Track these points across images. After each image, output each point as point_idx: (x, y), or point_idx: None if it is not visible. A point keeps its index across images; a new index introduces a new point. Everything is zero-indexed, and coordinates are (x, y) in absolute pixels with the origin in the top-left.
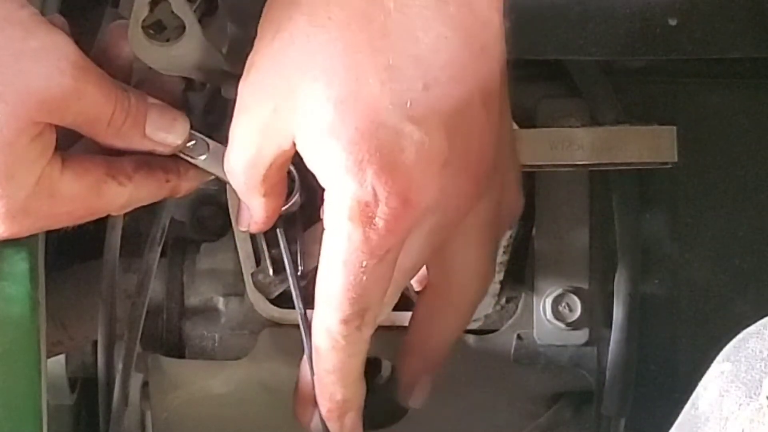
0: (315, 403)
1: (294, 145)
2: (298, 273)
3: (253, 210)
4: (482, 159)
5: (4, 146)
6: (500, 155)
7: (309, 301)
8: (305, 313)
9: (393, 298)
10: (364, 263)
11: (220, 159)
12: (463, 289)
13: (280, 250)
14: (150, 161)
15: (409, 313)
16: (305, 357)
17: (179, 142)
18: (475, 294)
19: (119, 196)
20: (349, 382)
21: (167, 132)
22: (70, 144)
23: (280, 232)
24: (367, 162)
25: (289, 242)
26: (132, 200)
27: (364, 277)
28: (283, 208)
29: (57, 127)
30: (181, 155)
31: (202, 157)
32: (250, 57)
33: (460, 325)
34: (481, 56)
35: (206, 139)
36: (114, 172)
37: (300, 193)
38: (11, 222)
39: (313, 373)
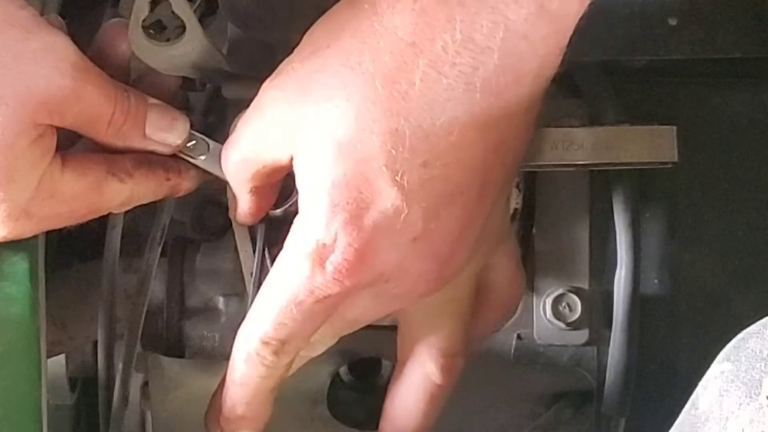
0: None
1: (291, 161)
2: None
3: (239, 201)
4: (457, 246)
5: (5, 149)
6: (483, 241)
7: None
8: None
9: (328, 341)
10: (300, 298)
11: (219, 159)
12: (422, 358)
13: (279, 250)
14: (150, 159)
15: None
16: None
17: (179, 141)
18: (435, 365)
19: (120, 193)
20: (253, 400)
21: (167, 132)
22: (70, 144)
23: (260, 231)
24: (341, 208)
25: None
26: (133, 198)
27: (295, 311)
28: (282, 209)
29: (57, 128)
30: (181, 155)
31: (202, 157)
32: (285, 62)
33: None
34: (496, 150)
35: (206, 139)
36: (114, 169)
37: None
38: (13, 224)
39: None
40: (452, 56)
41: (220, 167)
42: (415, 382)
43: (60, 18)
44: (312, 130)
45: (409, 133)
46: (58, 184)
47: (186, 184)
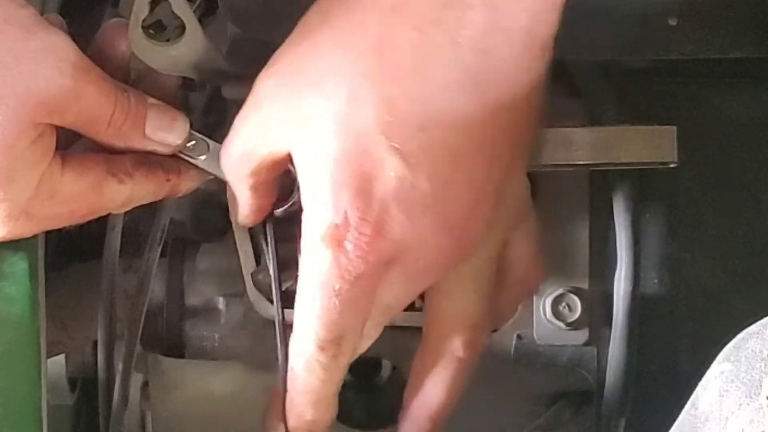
0: (284, 419)
1: (289, 155)
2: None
3: (239, 201)
4: (471, 215)
5: (5, 149)
6: (501, 218)
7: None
8: (284, 321)
9: (374, 332)
10: (337, 287)
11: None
12: (446, 332)
13: (280, 249)
14: (150, 160)
15: (410, 313)
16: (280, 371)
17: (179, 141)
18: (459, 339)
19: (120, 193)
20: (320, 404)
21: (167, 132)
22: (69, 143)
23: (268, 230)
24: (345, 184)
25: (289, 242)
26: (132, 198)
27: (337, 302)
28: (283, 209)
29: (57, 127)
30: (181, 155)
31: (202, 157)
32: (277, 51)
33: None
34: (497, 115)
35: (206, 139)
36: (114, 169)
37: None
38: (13, 224)
39: (285, 390)
40: (435, 16)
41: (220, 167)
42: (440, 357)
43: (60, 17)
44: (307, 114)
45: (403, 99)
46: (58, 184)
47: (186, 184)
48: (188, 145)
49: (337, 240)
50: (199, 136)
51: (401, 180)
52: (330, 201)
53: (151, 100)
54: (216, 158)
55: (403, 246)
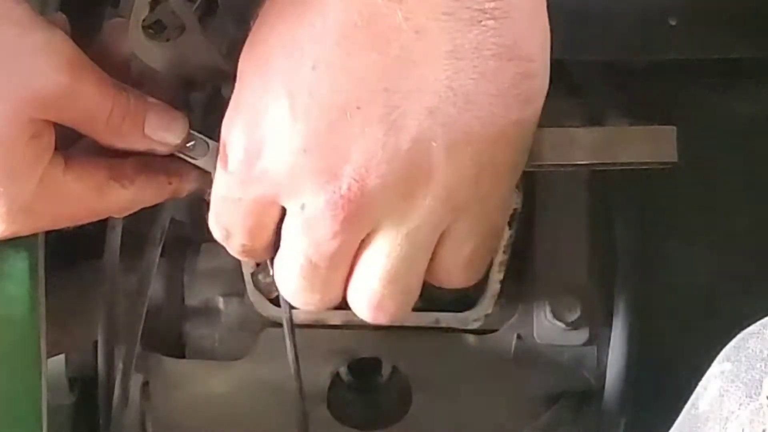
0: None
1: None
2: None
3: None
4: (355, 168)
5: (3, 146)
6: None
7: None
8: (291, 315)
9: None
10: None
11: None
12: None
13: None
14: (151, 163)
15: (410, 314)
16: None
17: (178, 141)
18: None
19: (121, 198)
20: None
21: (166, 131)
22: (71, 143)
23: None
24: (238, 115)
25: None
26: (134, 203)
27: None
28: None
29: (56, 126)
30: (182, 155)
31: (203, 158)
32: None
33: None
34: (398, 62)
35: (206, 139)
36: (116, 174)
37: None
38: (12, 221)
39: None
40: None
41: None
42: None
43: (64, 16)
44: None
45: (302, 36)
46: (59, 184)
47: (187, 186)
48: (188, 145)
49: (224, 161)
50: (199, 136)
51: (284, 120)
52: (225, 128)
53: (151, 99)
54: (216, 158)
55: (275, 182)
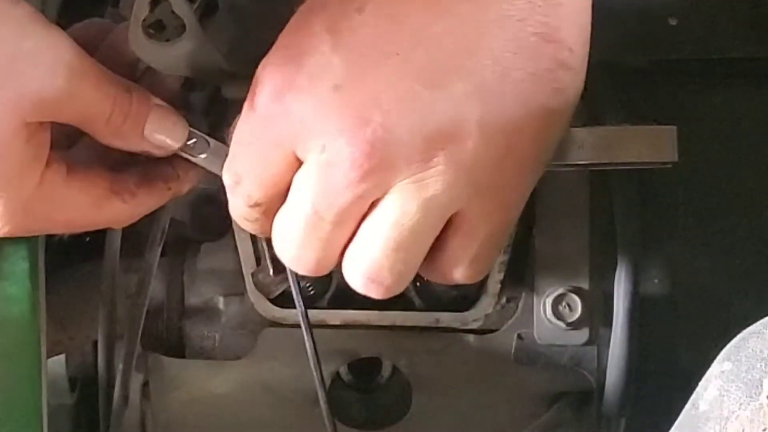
0: None
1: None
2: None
3: None
4: (384, 112)
5: (1, 148)
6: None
7: (309, 301)
8: (306, 312)
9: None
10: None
11: (220, 158)
12: None
13: None
14: (150, 174)
15: (410, 313)
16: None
17: (177, 146)
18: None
19: (121, 212)
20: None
21: (165, 135)
22: (71, 144)
23: None
24: (275, 52)
25: None
26: (133, 216)
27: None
28: None
29: (57, 126)
30: (182, 154)
31: (203, 156)
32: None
33: None
34: (440, 15)
35: (206, 137)
36: (118, 188)
37: None
38: (9, 221)
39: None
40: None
41: (221, 165)
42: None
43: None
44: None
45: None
46: (60, 189)
47: (186, 186)
48: (188, 143)
49: (251, 102)
50: (200, 134)
51: (323, 57)
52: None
53: (156, 100)
54: (217, 156)
55: (301, 119)
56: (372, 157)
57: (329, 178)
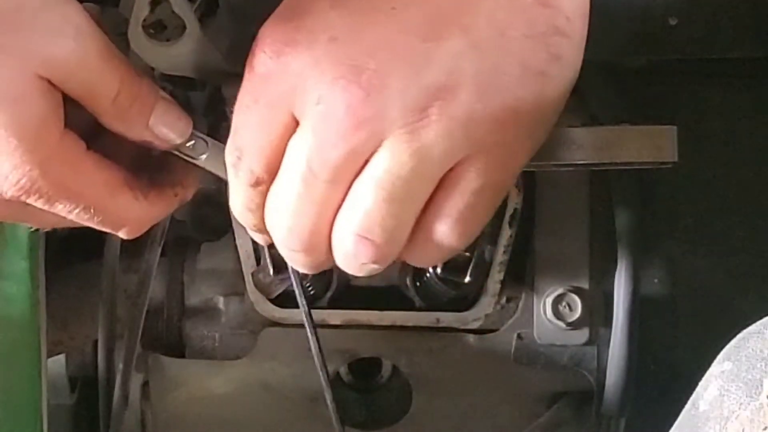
0: None
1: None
2: (299, 272)
3: None
4: (377, 66)
5: (14, 99)
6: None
7: (309, 301)
8: (310, 311)
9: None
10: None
11: (220, 158)
12: None
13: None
14: (159, 178)
15: (410, 313)
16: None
17: (179, 141)
18: None
19: (132, 210)
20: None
21: (170, 129)
22: (89, 136)
23: None
24: (275, 14)
25: None
26: (147, 218)
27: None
28: None
29: (74, 119)
30: (181, 155)
31: (203, 157)
32: None
33: None
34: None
35: (206, 138)
36: (132, 182)
37: None
38: (27, 172)
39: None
40: None
41: (220, 166)
42: None
43: (97, 6)
44: None
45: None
46: (78, 157)
47: (190, 193)
48: (188, 144)
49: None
50: (200, 135)
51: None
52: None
53: (163, 93)
54: (216, 157)
55: (300, 71)
56: (366, 104)
57: (324, 130)
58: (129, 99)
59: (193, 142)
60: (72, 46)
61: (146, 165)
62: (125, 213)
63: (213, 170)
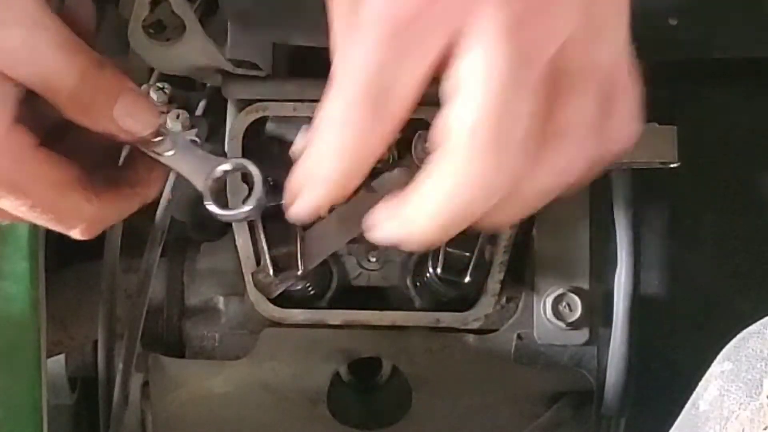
0: None
1: None
2: (299, 272)
3: None
4: None
5: None
6: None
7: (309, 301)
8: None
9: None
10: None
11: (188, 156)
12: None
13: (280, 249)
14: (120, 176)
15: (410, 313)
16: None
17: (145, 133)
18: None
19: (84, 209)
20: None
21: (136, 120)
22: (57, 135)
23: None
24: None
25: (289, 242)
26: (100, 218)
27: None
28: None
29: (39, 119)
30: (147, 151)
31: (168, 153)
32: None
33: None
34: None
35: (175, 133)
36: (84, 182)
37: None
38: None
39: None
40: None
41: (187, 164)
42: None
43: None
44: None
45: None
46: (27, 152)
47: (155, 190)
48: (156, 140)
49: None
50: (167, 130)
51: None
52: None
53: (130, 84)
54: (183, 154)
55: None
56: None
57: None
58: (90, 90)
59: (160, 138)
60: (23, 36)
61: (111, 162)
62: (77, 213)
63: (177, 168)
